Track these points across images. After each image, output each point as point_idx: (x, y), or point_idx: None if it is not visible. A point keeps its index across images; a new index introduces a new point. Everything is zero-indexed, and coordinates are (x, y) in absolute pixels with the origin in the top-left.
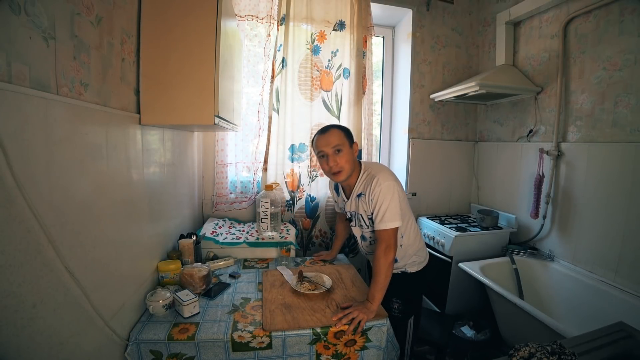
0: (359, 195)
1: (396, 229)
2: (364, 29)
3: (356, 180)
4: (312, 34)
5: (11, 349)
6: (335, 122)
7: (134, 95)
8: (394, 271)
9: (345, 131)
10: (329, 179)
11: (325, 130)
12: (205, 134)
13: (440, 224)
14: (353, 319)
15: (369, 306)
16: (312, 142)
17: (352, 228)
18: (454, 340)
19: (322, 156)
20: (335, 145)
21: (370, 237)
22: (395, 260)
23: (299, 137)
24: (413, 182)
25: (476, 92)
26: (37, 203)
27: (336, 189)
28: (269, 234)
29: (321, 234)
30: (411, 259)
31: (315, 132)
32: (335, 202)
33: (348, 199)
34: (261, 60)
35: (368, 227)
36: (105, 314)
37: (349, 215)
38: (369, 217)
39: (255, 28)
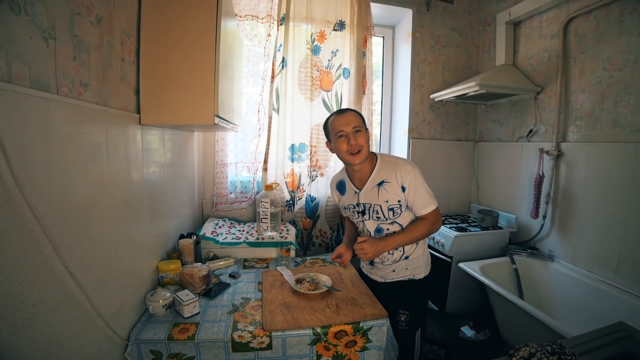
0: (380, 184)
1: (437, 210)
2: (364, 29)
3: (371, 168)
4: (312, 34)
5: (11, 349)
6: None
7: (133, 95)
8: (402, 278)
9: (361, 115)
10: (328, 180)
11: (343, 111)
12: (205, 134)
13: None
14: (361, 249)
15: (379, 244)
16: (326, 125)
17: (365, 222)
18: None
19: (340, 136)
20: (355, 126)
21: (387, 229)
22: (407, 258)
23: (299, 137)
24: None
25: (476, 92)
26: (37, 203)
27: (339, 187)
28: (269, 234)
29: (321, 234)
30: (418, 262)
31: (315, 132)
32: (339, 203)
33: (360, 189)
34: (261, 60)
35: (387, 219)
36: (105, 314)
37: (360, 208)
38: (390, 207)
39: (255, 28)
